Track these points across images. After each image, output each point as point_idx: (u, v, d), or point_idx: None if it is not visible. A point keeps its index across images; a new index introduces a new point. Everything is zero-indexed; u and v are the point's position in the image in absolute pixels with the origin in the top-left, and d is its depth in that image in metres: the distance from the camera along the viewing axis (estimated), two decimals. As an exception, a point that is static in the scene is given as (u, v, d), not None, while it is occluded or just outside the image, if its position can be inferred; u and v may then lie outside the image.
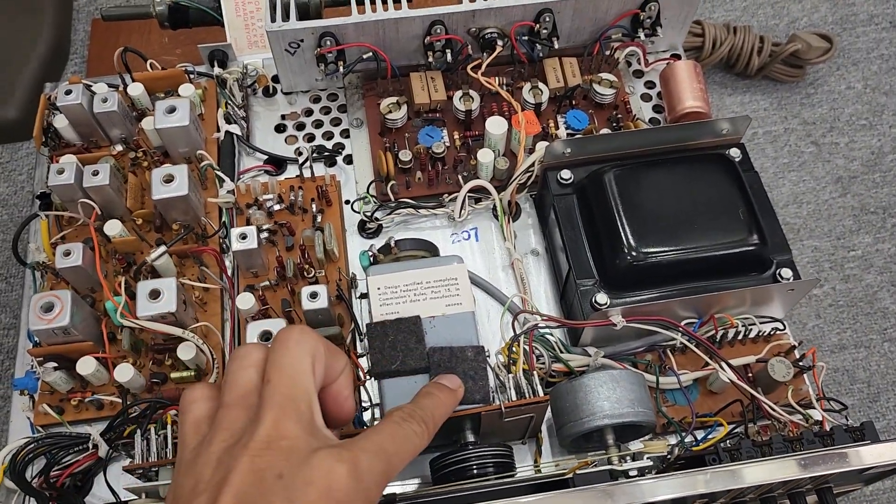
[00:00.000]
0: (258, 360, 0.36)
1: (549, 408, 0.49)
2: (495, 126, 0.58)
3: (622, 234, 0.52)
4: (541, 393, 0.47)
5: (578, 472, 0.44)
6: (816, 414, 0.50)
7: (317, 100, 0.66)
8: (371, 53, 0.61)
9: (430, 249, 0.54)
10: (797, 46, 0.77)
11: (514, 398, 0.47)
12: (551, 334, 0.52)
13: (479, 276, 0.57)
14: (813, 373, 0.53)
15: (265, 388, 0.34)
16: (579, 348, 0.53)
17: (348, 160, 0.63)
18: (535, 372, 0.48)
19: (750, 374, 0.53)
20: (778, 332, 0.54)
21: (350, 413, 0.39)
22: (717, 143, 0.58)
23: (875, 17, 0.86)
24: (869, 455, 0.43)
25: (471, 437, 0.48)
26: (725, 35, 0.78)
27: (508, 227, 0.59)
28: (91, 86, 0.60)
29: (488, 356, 0.50)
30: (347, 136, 0.64)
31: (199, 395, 0.36)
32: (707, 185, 0.54)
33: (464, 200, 0.58)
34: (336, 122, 0.65)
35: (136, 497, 0.45)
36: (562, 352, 0.52)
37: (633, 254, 0.51)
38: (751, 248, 0.52)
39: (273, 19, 0.60)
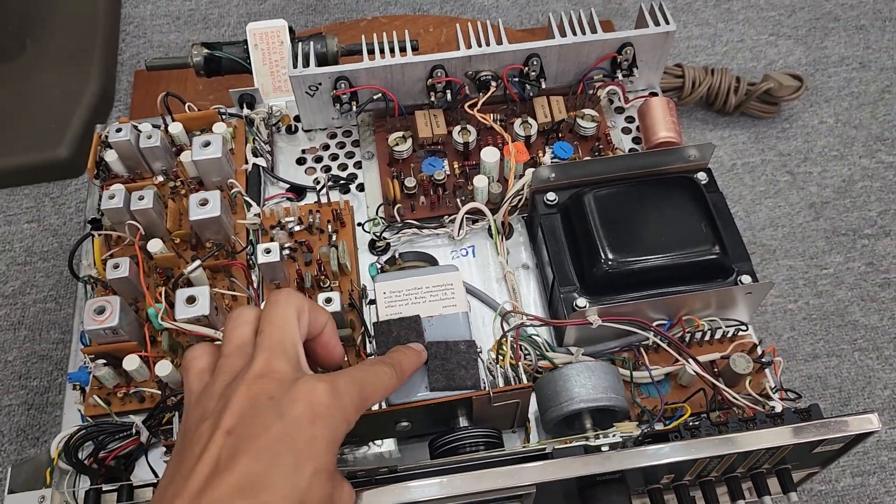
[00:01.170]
0: (251, 318, 0.43)
1: (533, 397, 0.56)
2: (489, 155, 0.66)
3: (599, 245, 0.59)
4: (524, 381, 0.54)
5: (557, 447, 0.51)
6: (775, 404, 0.56)
7: (333, 136, 0.74)
8: (380, 94, 0.70)
9: (429, 260, 0.61)
10: (770, 85, 0.85)
11: (502, 386, 0.54)
12: (538, 335, 0.59)
13: (475, 286, 0.64)
14: (774, 367, 0.59)
15: (258, 337, 0.41)
16: (563, 348, 0.60)
17: (361, 188, 0.71)
18: (520, 364, 0.54)
19: (715, 369, 0.59)
20: (741, 333, 0.60)
21: (339, 356, 0.47)
22: (686, 168, 0.66)
23: (846, 59, 0.94)
24: (811, 430, 0.49)
25: (464, 422, 0.55)
26: (704, 76, 0.86)
27: (502, 245, 0.66)
28: (137, 125, 0.69)
29: (480, 351, 0.57)
30: (360, 167, 0.72)
31: (201, 351, 0.43)
32: (674, 204, 0.61)
33: (462, 221, 0.66)
34: (350, 155, 0.73)
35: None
36: (547, 351, 0.59)
37: (609, 262, 0.58)
38: (712, 256, 0.59)
39: (295, 66, 0.68)
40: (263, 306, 0.44)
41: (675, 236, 0.59)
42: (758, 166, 0.87)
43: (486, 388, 0.52)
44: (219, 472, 0.35)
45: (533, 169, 0.64)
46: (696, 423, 0.51)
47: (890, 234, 0.82)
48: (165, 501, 0.36)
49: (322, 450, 0.37)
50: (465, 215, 0.66)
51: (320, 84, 0.69)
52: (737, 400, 0.54)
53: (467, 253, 0.67)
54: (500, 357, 0.56)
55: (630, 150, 0.72)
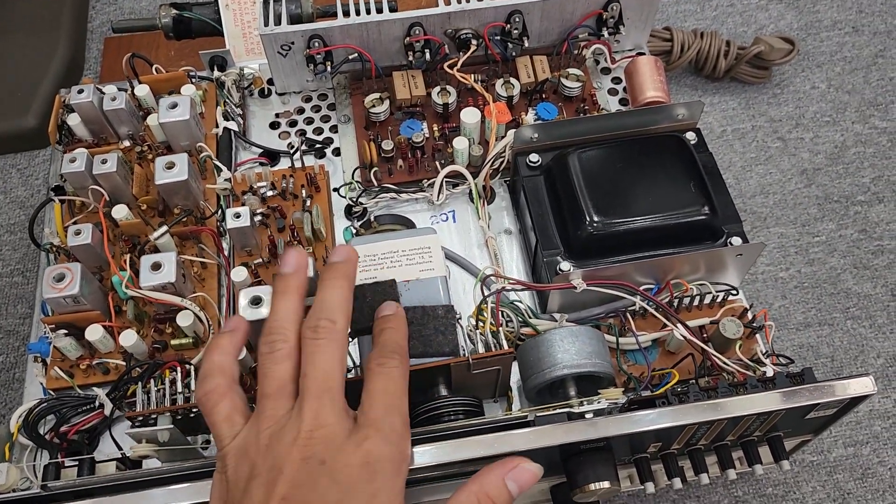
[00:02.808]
0: (289, 351, 0.40)
1: (515, 364, 0.54)
2: (469, 116, 0.63)
3: (583, 207, 0.56)
4: (505, 346, 0.51)
5: (539, 414, 0.48)
6: (767, 368, 0.54)
7: (308, 99, 0.71)
8: (356, 54, 0.67)
9: (406, 224, 0.58)
10: (760, 48, 0.82)
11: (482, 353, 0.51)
12: (520, 301, 0.57)
13: (455, 252, 0.62)
14: (765, 331, 0.57)
15: (303, 380, 0.39)
16: (547, 314, 0.57)
17: (337, 153, 0.68)
18: (500, 329, 0.52)
19: (705, 335, 0.57)
20: (731, 297, 0.58)
21: None
22: (674, 128, 0.63)
23: (838, 23, 0.91)
24: (804, 395, 0.47)
25: (444, 391, 0.52)
26: (693, 40, 0.83)
27: (483, 209, 0.63)
28: (101, 88, 0.66)
29: (459, 317, 0.55)
30: (336, 131, 0.69)
31: (219, 390, 0.40)
32: (662, 163, 0.59)
33: (441, 185, 0.63)
34: (326, 118, 0.70)
35: (137, 443, 0.49)
36: (531, 317, 0.56)
37: (594, 225, 0.56)
38: (702, 217, 0.56)
39: (266, 24, 0.65)
40: (304, 334, 0.40)
41: (663, 197, 0.57)
42: (748, 132, 0.85)
43: (466, 355, 0.50)
44: None
45: (514, 130, 0.61)
46: (685, 388, 0.49)
47: (883, 201, 0.80)
48: None
49: (384, 501, 0.36)
50: (445, 179, 0.64)
51: (293, 43, 0.66)
52: (727, 365, 0.52)
53: (447, 218, 0.64)
54: (481, 323, 0.53)
55: (621, 110, 0.70)
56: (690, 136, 0.62)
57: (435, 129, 0.66)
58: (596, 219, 0.56)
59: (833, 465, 0.67)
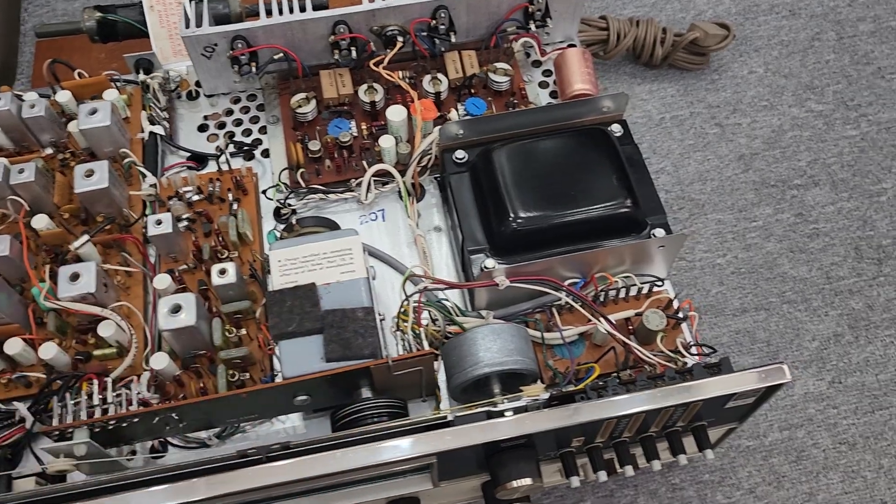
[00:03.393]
0: None
1: (441, 363, 0.54)
2: (395, 114, 0.63)
3: (506, 202, 0.56)
4: (426, 347, 0.51)
5: (459, 414, 0.48)
6: (688, 359, 0.54)
7: (237, 100, 0.70)
8: (282, 54, 0.66)
9: (329, 225, 0.58)
10: (696, 35, 0.83)
11: (403, 353, 0.51)
12: (447, 300, 0.57)
13: (384, 252, 0.62)
14: (690, 321, 0.57)
15: None
16: (474, 312, 0.57)
17: (266, 154, 0.67)
18: (422, 329, 0.52)
19: (630, 327, 0.57)
20: (657, 289, 0.58)
21: None
22: (601, 120, 0.63)
23: (775, 7, 0.92)
24: (717, 385, 0.47)
25: (367, 393, 0.52)
26: (629, 28, 0.83)
27: (412, 207, 0.63)
28: (21, 95, 0.65)
29: (383, 318, 0.54)
30: (265, 133, 0.68)
31: None
32: (585, 157, 0.59)
33: (369, 184, 0.63)
34: (255, 119, 0.69)
35: (55, 458, 0.49)
36: (457, 315, 0.56)
37: (517, 220, 0.56)
38: (624, 210, 0.56)
39: (188, 26, 0.64)
40: None
41: (585, 190, 0.57)
42: (686, 119, 0.85)
43: (387, 357, 0.50)
44: None
45: (440, 126, 0.61)
46: (605, 382, 0.49)
47: (819, 184, 0.80)
48: None
49: None
50: (374, 178, 0.63)
51: (216, 45, 0.65)
52: (647, 357, 0.53)
53: (377, 217, 0.64)
54: (404, 323, 0.53)
55: (547, 104, 0.69)
56: (616, 128, 0.62)
57: (364, 127, 0.66)
58: (519, 214, 0.56)
59: (769, 449, 0.67)
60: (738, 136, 0.84)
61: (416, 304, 0.53)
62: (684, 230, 0.77)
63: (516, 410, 0.48)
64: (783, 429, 0.68)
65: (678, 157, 0.82)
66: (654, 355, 0.54)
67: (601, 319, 0.54)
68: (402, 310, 0.53)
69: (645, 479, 0.66)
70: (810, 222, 0.78)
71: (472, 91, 0.68)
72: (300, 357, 0.50)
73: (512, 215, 0.56)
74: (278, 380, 0.55)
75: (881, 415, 0.69)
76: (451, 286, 0.55)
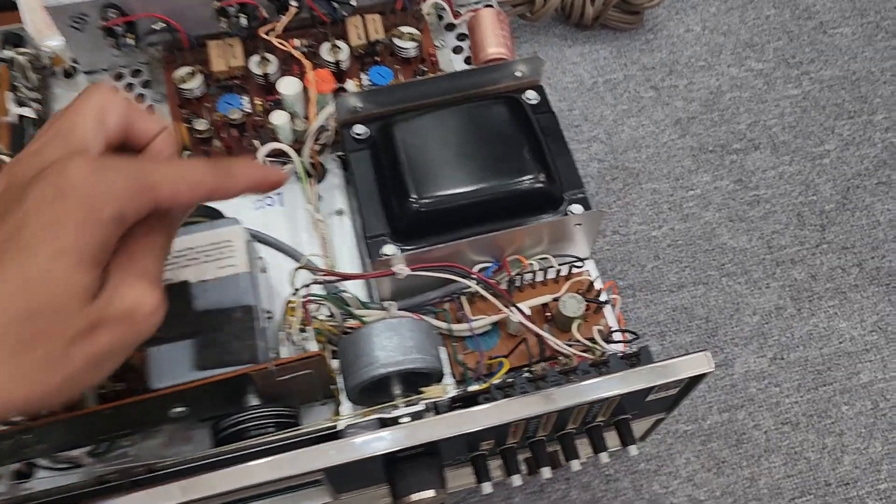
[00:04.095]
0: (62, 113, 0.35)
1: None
2: (288, 87, 0.57)
3: (406, 182, 0.51)
4: (313, 348, 0.46)
5: (349, 422, 0.43)
6: (606, 348, 0.50)
7: (119, 77, 0.64)
8: (164, 24, 0.60)
9: (209, 214, 0.52)
10: (628, -9, 0.77)
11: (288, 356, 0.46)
12: (346, 291, 0.51)
13: (279, 240, 0.56)
14: (614, 303, 0.52)
15: None
16: (377, 303, 0.52)
17: (151, 135, 0.61)
18: (309, 328, 0.47)
19: (548, 314, 0.52)
20: (577, 270, 0.53)
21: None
22: (516, 87, 0.58)
23: (716, -40, 0.86)
24: (633, 379, 0.43)
25: (254, 401, 0.47)
26: (558, -14, 0.78)
27: (312, 189, 0.57)
28: None
29: (270, 317, 0.49)
30: (153, 112, 0.62)
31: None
32: (493, 128, 0.53)
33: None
34: (140, 98, 0.63)
35: None
36: (357, 308, 0.51)
37: (418, 201, 0.50)
38: (537, 186, 0.51)
39: (52, -6, 0.57)
40: None
41: (494, 166, 0.52)
42: (620, 83, 0.80)
43: (268, 362, 0.44)
44: None
45: (336, 99, 0.55)
46: (512, 380, 0.44)
47: (759, 148, 0.76)
48: None
49: (70, 230, 0.30)
50: (269, 158, 0.57)
51: (86, 15, 0.58)
52: (561, 349, 0.48)
53: (273, 202, 0.58)
54: (291, 320, 0.48)
55: (454, 72, 0.64)
56: (531, 95, 0.57)
57: (258, 103, 0.60)
58: (420, 195, 0.51)
59: (707, 434, 0.63)
60: (675, 100, 0.79)
61: (304, 299, 0.48)
62: (612, 206, 0.72)
63: (414, 416, 0.44)
64: (723, 411, 0.64)
65: (612, 123, 0.77)
66: (570, 345, 0.49)
67: (512, 308, 0.49)
68: (290, 306, 0.48)
69: (578, 472, 0.62)
70: (750, 189, 0.74)
71: (378, 59, 0.62)
72: (171, 365, 0.45)
73: (412, 196, 0.50)
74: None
75: (824, 391, 0.65)
76: (344, 277, 0.50)
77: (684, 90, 0.79)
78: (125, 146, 0.36)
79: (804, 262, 0.71)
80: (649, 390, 0.44)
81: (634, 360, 0.45)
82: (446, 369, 0.51)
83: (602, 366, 0.45)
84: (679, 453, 0.63)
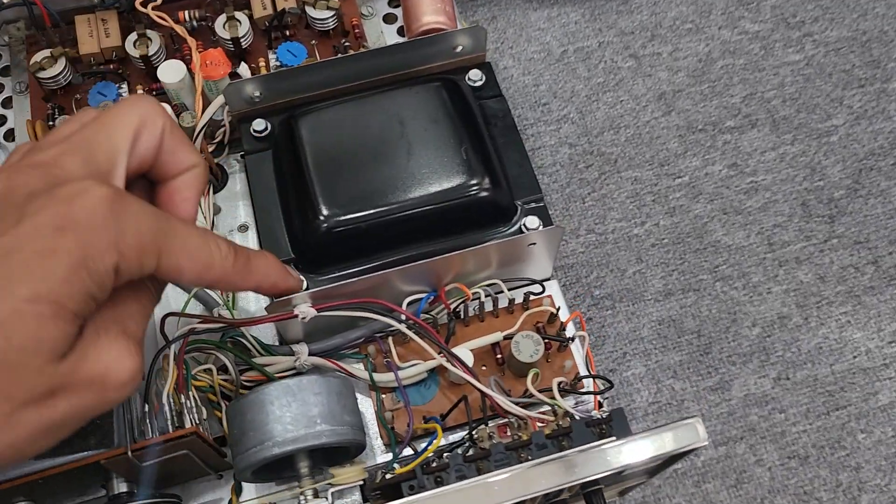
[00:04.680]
0: (90, 118, 0.30)
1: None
2: (169, 73, 0.45)
3: (313, 194, 0.40)
4: (187, 423, 0.35)
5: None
6: (568, 406, 0.39)
7: (-28, 64, 0.52)
8: (17, -4, 0.48)
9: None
10: (600, -57, 0.65)
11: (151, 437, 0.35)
12: (243, 336, 0.40)
13: (165, 267, 0.45)
14: (583, 344, 0.42)
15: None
16: (285, 347, 0.41)
17: (10, 136, 0.49)
18: (187, 396, 0.36)
19: (499, 356, 0.41)
20: (534, 297, 0.42)
21: (188, 217, 0.32)
22: (457, 66, 0.46)
23: None
24: (595, 461, 0.32)
25: (122, 487, 0.36)
26: (516, -62, 0.65)
27: (206, 200, 0.46)
28: None
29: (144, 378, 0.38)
30: (10, 106, 0.50)
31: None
32: (424, 122, 0.42)
33: (142, 172, 0.45)
34: (-1, 88, 0.51)
35: None
36: (258, 355, 0.40)
37: (329, 220, 0.39)
38: (480, 195, 0.40)
39: None
40: None
41: (425, 171, 0.41)
42: (594, 51, 0.68)
43: (126, 446, 0.34)
44: None
45: (228, 86, 0.44)
46: (447, 459, 0.34)
47: (757, 125, 0.65)
48: None
49: (59, 273, 0.25)
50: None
51: (-86, -13, 0.47)
52: (512, 409, 0.37)
53: (160, 217, 0.47)
54: (161, 384, 0.37)
55: (378, 48, 0.52)
56: (475, 75, 0.46)
57: (140, 92, 0.48)
58: (331, 211, 0.39)
59: (702, 473, 0.53)
60: (658, 70, 0.67)
61: (178, 353, 0.37)
62: (586, 199, 0.61)
63: (317, 512, 0.33)
64: (719, 444, 0.54)
65: (585, 100, 0.66)
66: (526, 400, 0.38)
67: (443, 356, 0.38)
68: (158, 367, 0.37)
69: (546, 526, 0.52)
70: (747, 174, 0.63)
71: (290, 33, 0.50)
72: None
73: (322, 213, 0.39)
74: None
75: (837, 417, 0.55)
76: (229, 324, 0.38)
77: (669, 58, 0.68)
78: (147, 174, 0.31)
79: (811, 260, 0.60)
80: (622, 470, 0.34)
81: (604, 428, 0.34)
82: (372, 429, 0.40)
83: (563, 437, 0.34)
84: (668, 497, 0.53)
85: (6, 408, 0.25)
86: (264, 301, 0.44)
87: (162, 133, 0.30)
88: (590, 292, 0.59)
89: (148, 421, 0.36)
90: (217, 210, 0.47)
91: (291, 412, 0.35)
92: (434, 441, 0.37)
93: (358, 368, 0.41)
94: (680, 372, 0.57)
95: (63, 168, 0.27)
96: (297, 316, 0.37)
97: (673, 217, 0.61)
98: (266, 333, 0.42)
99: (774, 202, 0.62)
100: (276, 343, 0.42)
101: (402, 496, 0.32)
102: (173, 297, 0.43)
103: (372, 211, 0.39)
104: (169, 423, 0.35)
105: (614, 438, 0.34)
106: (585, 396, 0.40)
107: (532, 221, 0.41)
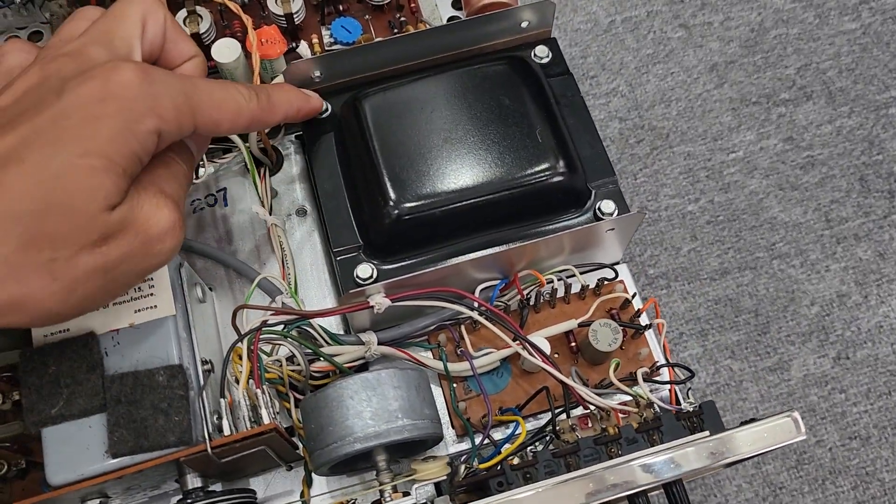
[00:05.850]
0: (94, 15, 0.34)
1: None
2: (223, 52, 0.43)
3: (382, 179, 0.38)
4: (266, 419, 0.34)
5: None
6: (653, 398, 0.38)
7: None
8: (62, -29, 0.46)
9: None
10: None
11: (248, 428, 0.35)
12: (310, 325, 0.39)
13: (224, 254, 0.44)
14: (658, 330, 0.41)
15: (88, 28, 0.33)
16: (353, 336, 0.40)
17: (57, 118, 0.48)
18: (261, 392, 0.35)
19: (573, 344, 0.40)
20: (608, 282, 0.41)
21: None
22: (521, 42, 0.45)
23: None
24: (697, 456, 0.31)
25: (196, 482, 0.36)
26: None
27: (263, 183, 0.45)
28: None
29: (209, 370, 0.37)
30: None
31: (12, 46, 0.34)
32: (494, 102, 0.40)
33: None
34: (43, 68, 0.50)
35: None
36: (326, 344, 0.39)
37: (397, 207, 0.38)
38: (555, 179, 0.39)
39: None
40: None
41: (497, 154, 0.39)
42: (643, 21, 0.66)
43: (204, 441, 0.33)
44: None
45: (288, 65, 0.42)
46: (533, 455, 0.33)
47: (812, 97, 0.63)
48: None
49: (105, 134, 0.28)
50: (211, 145, 0.44)
51: (-44, -36, 0.45)
52: (595, 401, 0.36)
53: (216, 201, 0.46)
54: (240, 376, 0.36)
55: (450, 18, 0.50)
56: (542, 51, 0.44)
57: None
58: (401, 197, 0.38)
59: (759, 456, 0.53)
60: (709, 40, 0.65)
61: (252, 347, 0.36)
62: (638, 175, 0.60)
63: (402, 511, 0.32)
64: (778, 426, 0.53)
65: (634, 72, 0.64)
66: (605, 390, 0.37)
67: (524, 343, 0.37)
68: (229, 358, 0.36)
69: None
70: (803, 148, 0.61)
71: (342, 8, 0.48)
72: (73, 452, 0.33)
73: (392, 200, 0.38)
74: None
75: (900, 397, 0.54)
76: (302, 315, 0.37)
77: (720, 28, 0.66)
78: (157, 63, 0.34)
79: (870, 237, 0.59)
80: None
81: (696, 421, 0.34)
82: (444, 417, 0.40)
83: (653, 431, 0.33)
84: (728, 479, 0.52)
85: (67, 251, 0.28)
86: (327, 286, 0.43)
87: (164, 23, 0.34)
88: (644, 271, 0.58)
89: (224, 415, 0.35)
90: (274, 193, 0.45)
91: (372, 407, 0.34)
92: (518, 435, 0.36)
93: (427, 357, 0.40)
94: (738, 352, 0.56)
95: (90, 56, 0.30)
96: (371, 307, 0.36)
97: (728, 193, 0.60)
98: (329, 321, 0.41)
99: (832, 177, 0.60)
100: (342, 332, 0.41)
101: (490, 493, 0.32)
102: (239, 290, 0.42)
103: (444, 198, 0.38)
104: (246, 418, 0.35)
105: (707, 433, 0.33)
106: (661, 386, 0.39)
107: (608, 206, 0.40)
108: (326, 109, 0.43)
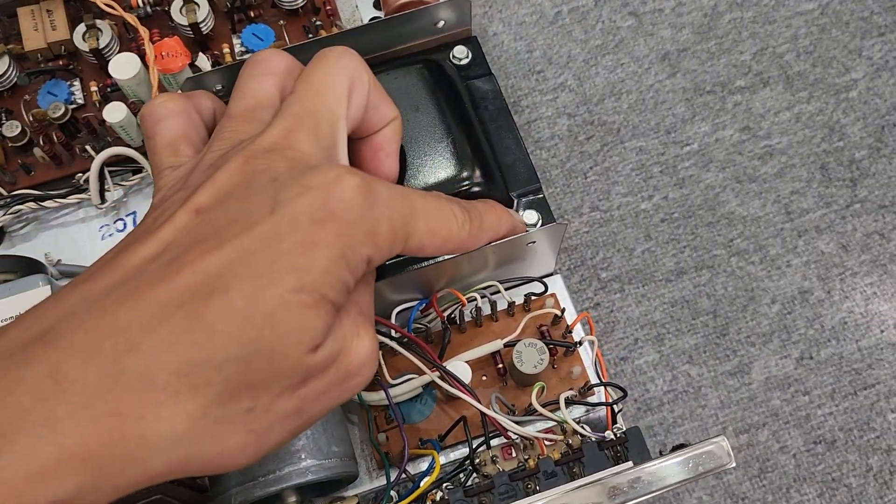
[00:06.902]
0: (280, 69, 0.29)
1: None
2: (122, 68, 0.41)
3: (285, 201, 0.36)
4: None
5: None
6: (578, 426, 0.35)
7: (-87, 65, 0.48)
8: (-49, -12, 0.43)
9: (18, 267, 0.37)
10: None
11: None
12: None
13: (132, 282, 0.41)
14: (595, 351, 0.38)
15: (286, 99, 0.28)
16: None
17: (-43, 145, 0.45)
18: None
19: (500, 366, 0.38)
20: (536, 297, 0.39)
21: (390, 178, 0.31)
22: (440, 42, 0.42)
23: None
24: (599, 494, 0.29)
25: None
26: None
27: (173, 206, 0.42)
28: None
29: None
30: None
31: (171, 106, 0.29)
32: (405, 111, 0.38)
33: (100, 177, 0.41)
34: (-58, 92, 0.47)
35: None
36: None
37: (304, 228, 0.35)
38: (472, 189, 0.36)
39: None
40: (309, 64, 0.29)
41: (412, 167, 0.36)
42: (591, 11, 0.63)
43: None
44: (164, 261, 0.24)
45: (187, 79, 0.39)
46: (445, 496, 0.30)
47: (769, 83, 0.60)
48: (88, 279, 0.24)
49: (321, 264, 0.24)
50: (110, 168, 0.42)
51: None
52: (517, 431, 0.34)
53: (125, 226, 0.43)
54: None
55: (372, 19, 0.48)
56: (460, 52, 0.41)
57: (94, 91, 0.44)
58: (306, 218, 0.35)
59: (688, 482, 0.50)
60: (660, 28, 0.62)
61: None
62: (588, 174, 0.57)
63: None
64: (740, 432, 0.51)
65: (582, 65, 0.61)
66: (529, 419, 0.35)
67: (433, 371, 0.35)
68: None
69: (560, 528, 0.49)
70: (760, 137, 0.59)
71: (255, 14, 0.46)
72: None
73: (296, 220, 0.35)
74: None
75: (866, 396, 0.52)
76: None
77: (672, 14, 0.63)
78: (355, 133, 0.30)
79: (832, 228, 0.56)
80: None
81: (619, 450, 0.31)
82: (361, 451, 0.37)
83: (574, 462, 0.31)
84: (688, 491, 0.50)
85: (267, 398, 0.24)
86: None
87: (368, 87, 0.29)
88: (596, 275, 0.55)
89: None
90: (186, 215, 0.43)
91: (273, 448, 0.32)
92: (430, 475, 0.33)
93: (347, 385, 0.37)
94: (696, 356, 0.53)
95: (298, 149, 0.26)
96: (273, 338, 0.34)
97: (682, 189, 0.57)
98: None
99: (791, 167, 0.58)
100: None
101: (397, 540, 0.29)
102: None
103: (351, 215, 0.35)
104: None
105: (631, 464, 0.30)
106: (599, 407, 0.37)
107: (530, 216, 0.37)
108: (232, 125, 0.40)
